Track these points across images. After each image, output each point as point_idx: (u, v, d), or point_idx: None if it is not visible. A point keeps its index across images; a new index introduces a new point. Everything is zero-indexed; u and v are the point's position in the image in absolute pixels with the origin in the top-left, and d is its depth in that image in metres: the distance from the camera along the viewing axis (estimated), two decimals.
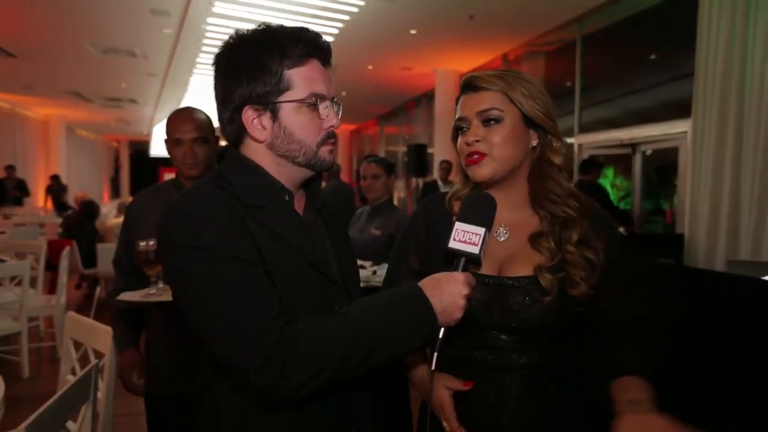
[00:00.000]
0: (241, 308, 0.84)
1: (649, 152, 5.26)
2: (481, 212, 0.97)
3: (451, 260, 0.95)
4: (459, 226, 0.95)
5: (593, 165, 5.04)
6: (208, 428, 1.02)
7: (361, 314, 0.88)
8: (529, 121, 1.05)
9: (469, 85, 1.07)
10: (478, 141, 1.04)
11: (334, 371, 0.84)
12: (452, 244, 0.94)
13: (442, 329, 0.91)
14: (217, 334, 0.85)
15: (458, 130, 1.09)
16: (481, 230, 0.94)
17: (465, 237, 0.94)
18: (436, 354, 0.93)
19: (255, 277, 0.87)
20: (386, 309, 0.89)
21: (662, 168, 5.46)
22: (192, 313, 0.88)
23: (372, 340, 0.86)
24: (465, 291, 0.90)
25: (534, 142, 1.07)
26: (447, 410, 1.01)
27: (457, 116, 1.09)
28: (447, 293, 0.90)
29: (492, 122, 1.04)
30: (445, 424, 1.01)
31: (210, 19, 5.92)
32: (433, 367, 0.94)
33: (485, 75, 1.06)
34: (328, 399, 0.96)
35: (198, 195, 0.94)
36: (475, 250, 0.93)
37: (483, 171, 1.04)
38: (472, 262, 0.95)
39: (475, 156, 1.04)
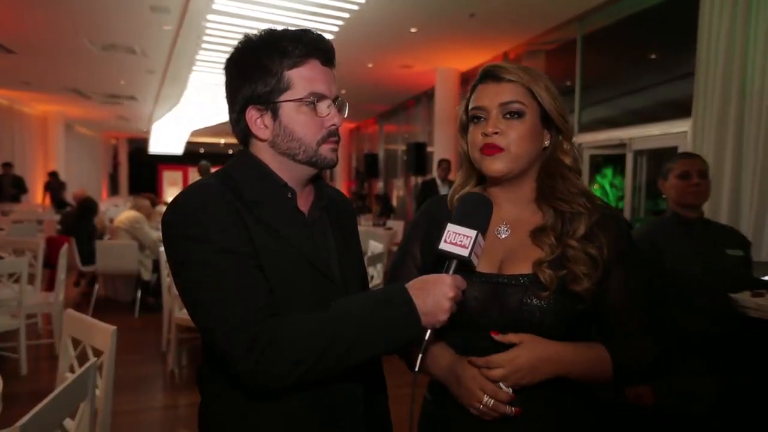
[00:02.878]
0: (229, 298, 0.88)
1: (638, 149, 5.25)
2: (475, 214, 0.96)
3: (442, 262, 0.95)
4: (450, 227, 0.95)
5: None
6: (200, 424, 1.05)
7: (345, 310, 0.90)
8: (545, 120, 1.04)
9: (491, 74, 1.04)
10: (497, 133, 1.01)
11: (312, 365, 0.87)
12: (442, 245, 0.94)
13: (428, 331, 0.91)
14: (206, 321, 0.91)
15: (473, 119, 1.06)
16: (473, 233, 0.93)
17: (456, 239, 0.93)
18: (420, 355, 0.92)
19: (245, 270, 0.91)
20: (370, 307, 0.91)
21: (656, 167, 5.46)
22: (186, 300, 0.94)
23: (353, 336, 0.88)
24: (451, 293, 0.91)
25: (546, 143, 1.06)
26: (489, 388, 0.97)
27: (474, 105, 1.06)
28: (432, 295, 0.90)
29: (514, 116, 1.02)
30: (489, 396, 0.96)
31: (210, 16, 5.90)
32: (416, 369, 0.93)
33: (510, 66, 1.04)
34: (319, 398, 0.98)
35: (199, 189, 0.98)
36: (465, 252, 0.92)
37: (498, 166, 1.02)
38: (464, 264, 0.94)
39: (493, 149, 1.01)
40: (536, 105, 1.02)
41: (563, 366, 0.98)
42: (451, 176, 6.97)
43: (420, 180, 8.86)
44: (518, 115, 1.01)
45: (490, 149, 1.02)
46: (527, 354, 0.96)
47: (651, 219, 5.52)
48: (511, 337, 0.98)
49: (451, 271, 0.94)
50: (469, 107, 1.07)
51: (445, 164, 7.04)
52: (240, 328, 0.86)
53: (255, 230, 0.94)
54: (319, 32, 1.02)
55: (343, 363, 0.89)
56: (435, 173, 7.36)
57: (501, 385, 0.96)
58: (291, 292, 0.95)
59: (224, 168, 1.04)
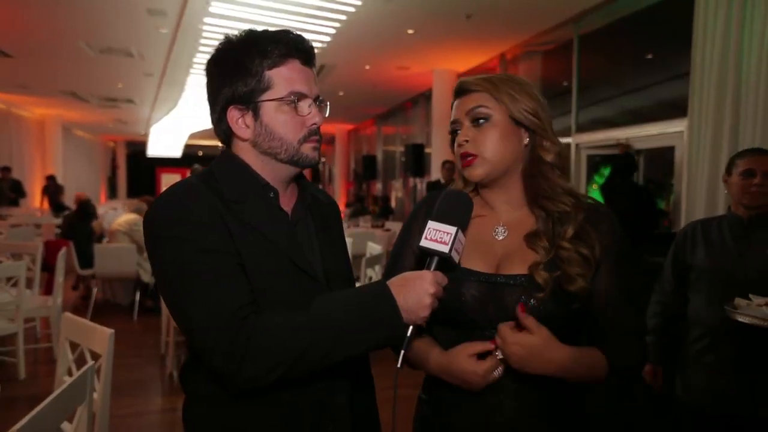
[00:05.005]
0: (209, 297, 0.88)
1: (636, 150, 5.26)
2: (455, 211, 0.98)
3: (424, 259, 0.96)
4: (431, 224, 0.96)
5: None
6: (185, 419, 1.05)
7: (325, 309, 0.90)
8: (517, 121, 1.06)
9: (459, 89, 1.10)
10: (467, 141, 1.05)
11: (292, 364, 0.87)
12: (423, 242, 0.95)
13: (410, 327, 0.91)
14: (186, 321, 0.91)
15: (452, 134, 1.11)
16: (453, 229, 0.94)
17: (436, 236, 0.94)
18: (402, 352, 0.93)
19: (226, 269, 0.91)
20: (351, 305, 0.91)
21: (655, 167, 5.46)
22: (167, 299, 0.94)
23: (333, 335, 0.88)
24: (432, 289, 0.91)
25: (525, 140, 1.08)
26: (483, 369, 0.98)
27: (450, 120, 1.11)
28: (413, 291, 0.91)
29: (481, 121, 1.05)
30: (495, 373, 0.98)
31: (207, 19, 5.90)
32: (399, 365, 0.94)
33: (473, 78, 1.09)
34: (304, 399, 0.98)
35: (181, 189, 0.98)
36: (445, 248, 0.93)
37: (476, 172, 1.06)
38: (444, 261, 0.95)
39: (468, 158, 1.06)
40: (504, 107, 1.06)
41: (558, 370, 0.98)
42: (456, 177, 6.97)
43: (419, 181, 8.87)
44: (485, 119, 1.05)
45: (466, 158, 1.06)
46: (533, 343, 0.96)
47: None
48: (530, 322, 0.97)
49: (432, 268, 0.94)
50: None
51: (448, 165, 7.06)
52: (218, 329, 0.86)
53: (236, 229, 0.95)
54: (314, 34, 1.02)
55: (325, 362, 0.89)
56: (439, 174, 7.38)
57: (498, 353, 0.98)
58: (273, 291, 0.95)
59: (207, 168, 1.05)
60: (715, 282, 1.84)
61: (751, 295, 1.64)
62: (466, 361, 0.99)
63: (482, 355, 1.00)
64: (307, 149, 1.02)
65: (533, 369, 0.97)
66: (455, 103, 1.11)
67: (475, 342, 1.01)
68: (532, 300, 1.00)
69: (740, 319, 1.56)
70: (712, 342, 1.84)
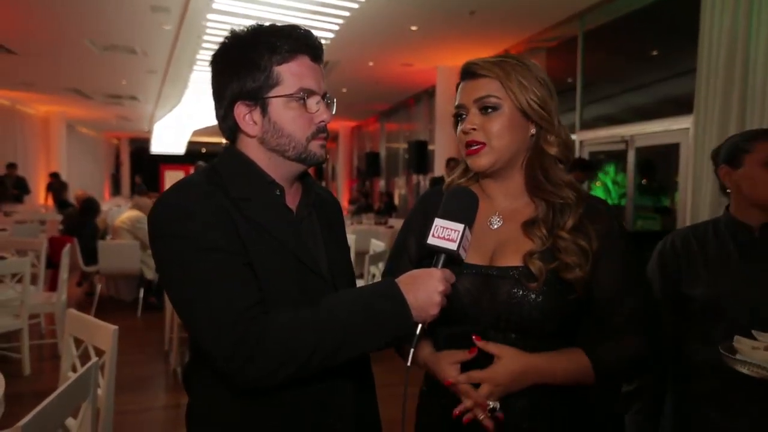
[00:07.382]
0: (217, 296, 0.87)
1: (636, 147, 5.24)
2: (462, 208, 0.97)
3: (430, 256, 0.95)
4: (438, 222, 0.95)
5: (581, 168, 4.74)
6: (188, 419, 1.05)
7: (333, 308, 0.89)
8: (525, 112, 1.05)
9: (468, 71, 1.07)
10: (474, 129, 1.04)
11: (300, 364, 0.86)
12: (431, 240, 0.94)
13: (419, 325, 0.91)
14: (193, 320, 0.90)
15: (457, 117, 1.09)
16: (460, 227, 0.94)
17: (444, 233, 0.94)
18: (412, 350, 0.92)
19: (234, 267, 0.90)
20: (359, 304, 0.90)
21: (651, 164, 5.43)
22: (174, 298, 0.93)
23: (341, 335, 0.88)
24: (441, 287, 0.90)
25: (532, 131, 1.06)
26: (464, 389, 1.00)
27: (455, 104, 1.09)
28: (423, 289, 0.90)
29: (490, 110, 1.03)
30: (468, 403, 1.00)
31: (210, 15, 5.90)
32: (408, 363, 0.93)
33: (483, 61, 1.06)
34: (309, 398, 0.97)
35: (185, 187, 0.97)
36: (453, 246, 0.93)
37: (482, 161, 1.04)
38: (452, 258, 0.94)
39: (474, 146, 1.04)
40: (513, 96, 1.03)
41: (541, 377, 1.00)
42: (446, 171, 7.00)
43: (422, 178, 8.85)
44: (494, 108, 1.03)
45: (471, 146, 1.04)
46: (504, 370, 0.98)
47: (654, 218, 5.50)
48: (491, 347, 1.00)
49: (440, 265, 0.94)
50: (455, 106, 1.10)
51: (453, 163, 7.05)
52: (226, 329, 0.85)
53: (243, 227, 0.94)
54: (317, 30, 1.01)
55: (333, 361, 0.89)
56: (444, 172, 7.38)
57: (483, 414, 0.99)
58: (279, 289, 0.94)
59: (212, 164, 1.04)
60: (724, 317, 1.34)
61: (755, 332, 1.22)
62: (449, 368, 1.01)
63: (470, 363, 1.01)
64: (315, 147, 1.01)
65: (517, 387, 0.99)
66: (462, 85, 1.08)
67: (458, 351, 1.03)
68: (525, 292, 0.99)
69: (742, 369, 1.15)
70: (732, 404, 1.31)
